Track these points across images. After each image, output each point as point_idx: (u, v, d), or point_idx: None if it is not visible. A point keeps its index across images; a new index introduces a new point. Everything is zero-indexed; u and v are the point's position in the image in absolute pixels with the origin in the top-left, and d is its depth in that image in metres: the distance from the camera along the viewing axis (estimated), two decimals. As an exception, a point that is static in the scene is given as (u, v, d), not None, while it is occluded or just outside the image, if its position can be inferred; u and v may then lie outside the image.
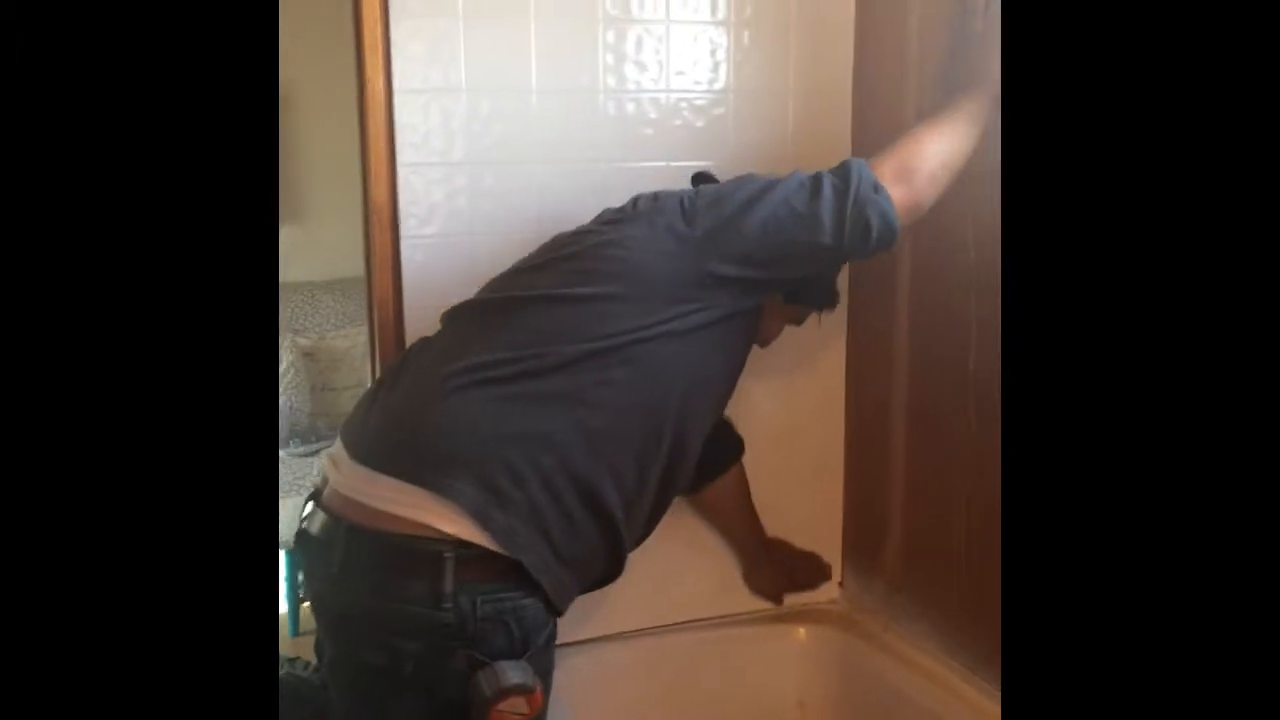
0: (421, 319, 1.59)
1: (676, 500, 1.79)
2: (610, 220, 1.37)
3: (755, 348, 1.48)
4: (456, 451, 1.18)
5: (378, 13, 1.51)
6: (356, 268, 3.55)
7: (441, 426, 1.20)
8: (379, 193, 1.55)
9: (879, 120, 1.75)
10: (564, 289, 1.26)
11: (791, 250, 1.28)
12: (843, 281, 1.84)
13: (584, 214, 1.65)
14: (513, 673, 1.15)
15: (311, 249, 3.65)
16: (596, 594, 1.75)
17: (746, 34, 1.71)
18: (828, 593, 1.93)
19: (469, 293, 1.60)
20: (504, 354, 1.22)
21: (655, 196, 1.36)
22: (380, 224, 1.56)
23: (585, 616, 1.76)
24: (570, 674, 1.67)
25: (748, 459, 1.83)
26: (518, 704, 1.16)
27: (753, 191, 1.29)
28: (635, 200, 1.38)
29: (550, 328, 1.24)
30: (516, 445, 1.18)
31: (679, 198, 1.32)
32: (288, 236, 3.59)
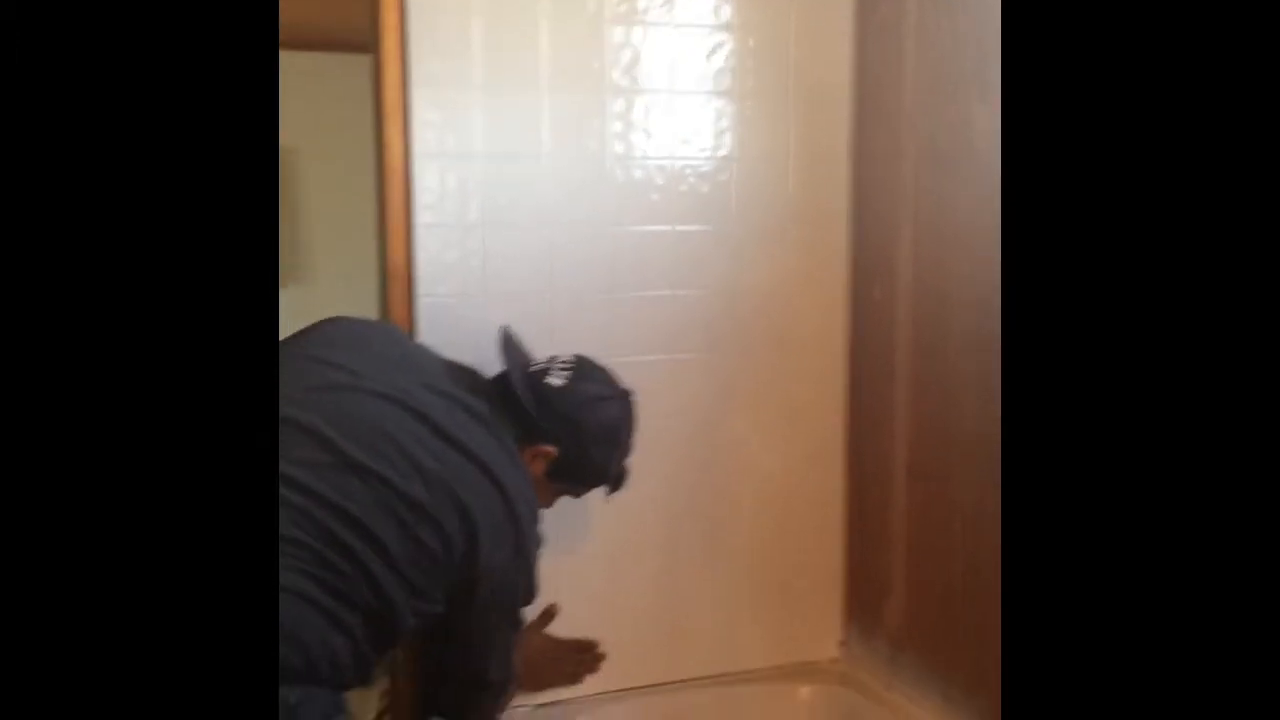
0: (432, 377, 1.63)
1: (682, 558, 1.82)
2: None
3: None
4: None
5: (397, 81, 1.57)
6: (358, 329, 3.59)
7: None
8: (395, 253, 1.59)
9: (876, 182, 1.81)
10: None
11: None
12: (842, 337, 1.89)
13: (592, 277, 1.71)
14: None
15: (315, 310, 3.67)
16: (602, 649, 1.77)
17: (749, 103, 1.78)
18: (829, 651, 1.94)
19: (480, 353, 1.65)
20: None
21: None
22: (397, 284, 1.60)
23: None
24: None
25: (747, 516, 1.86)
26: None
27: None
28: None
29: None
30: None
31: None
32: (292, 297, 3.63)
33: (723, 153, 1.77)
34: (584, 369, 1.50)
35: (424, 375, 1.36)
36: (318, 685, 1.19)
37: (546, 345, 1.68)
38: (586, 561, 1.76)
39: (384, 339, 1.44)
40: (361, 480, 1.22)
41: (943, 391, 1.67)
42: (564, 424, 1.44)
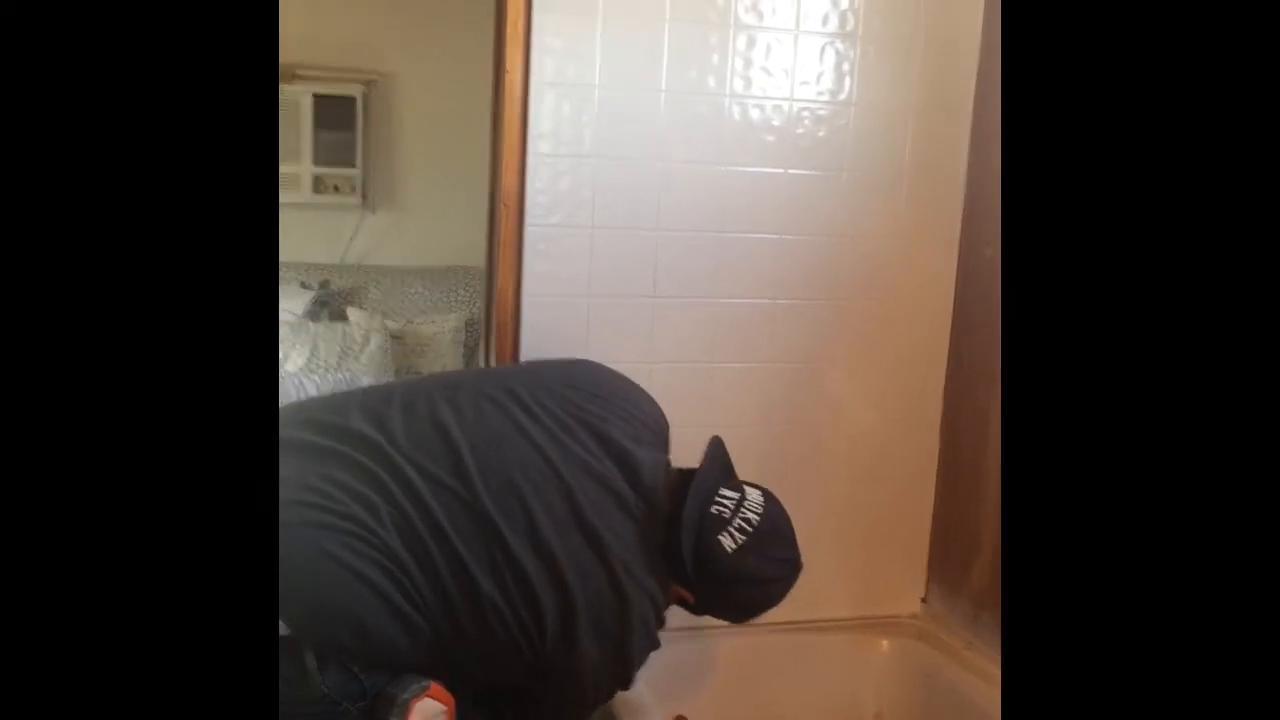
0: (536, 307, 1.64)
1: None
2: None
3: None
4: None
5: (521, 6, 1.55)
6: (445, 256, 3.64)
7: None
8: (509, 180, 1.59)
9: (998, 138, 1.75)
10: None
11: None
12: (948, 295, 1.85)
13: (701, 216, 1.69)
14: (398, 686, 1.13)
15: (405, 235, 3.72)
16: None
17: (873, 48, 1.73)
18: (910, 607, 1.93)
19: (578, 284, 1.64)
20: None
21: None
22: (508, 211, 1.60)
23: (674, 609, 1.78)
24: (654, 662, 1.69)
25: (839, 467, 1.85)
26: (429, 706, 1.14)
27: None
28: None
29: None
30: None
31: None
32: (385, 221, 3.68)
33: (843, 97, 1.73)
34: (764, 536, 1.34)
35: (610, 446, 1.29)
36: (380, 671, 1.15)
37: (650, 280, 1.69)
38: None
39: (591, 395, 1.35)
40: (472, 517, 1.17)
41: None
42: (714, 588, 1.34)
